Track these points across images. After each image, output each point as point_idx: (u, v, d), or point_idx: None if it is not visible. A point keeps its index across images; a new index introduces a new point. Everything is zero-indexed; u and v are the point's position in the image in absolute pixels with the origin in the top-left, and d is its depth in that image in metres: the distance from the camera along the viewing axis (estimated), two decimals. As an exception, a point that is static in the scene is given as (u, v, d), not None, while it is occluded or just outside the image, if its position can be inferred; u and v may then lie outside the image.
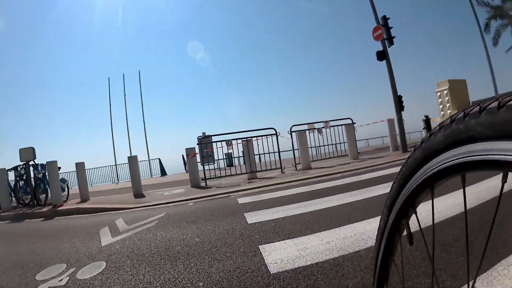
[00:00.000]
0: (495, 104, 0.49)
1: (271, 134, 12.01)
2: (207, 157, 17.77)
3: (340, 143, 13.48)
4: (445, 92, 17.86)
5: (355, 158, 12.75)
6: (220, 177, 11.83)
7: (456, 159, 0.56)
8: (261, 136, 12.01)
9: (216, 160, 13.71)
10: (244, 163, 11.55)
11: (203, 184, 11.06)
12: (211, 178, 11.52)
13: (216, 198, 7.92)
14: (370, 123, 14.09)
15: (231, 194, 8.24)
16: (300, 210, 5.16)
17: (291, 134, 12.41)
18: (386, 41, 13.64)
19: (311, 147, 12.84)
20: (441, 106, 18.22)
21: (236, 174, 11.89)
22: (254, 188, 8.65)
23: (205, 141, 12.69)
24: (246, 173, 11.31)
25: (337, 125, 13.27)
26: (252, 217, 5.11)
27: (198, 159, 11.43)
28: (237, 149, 11.72)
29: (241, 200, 6.95)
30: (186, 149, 11.18)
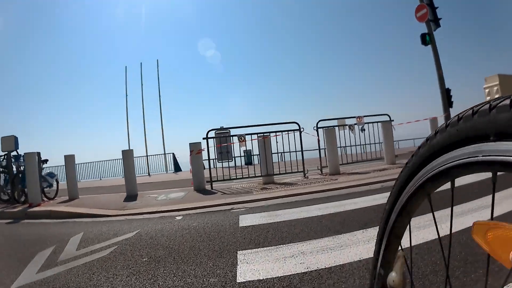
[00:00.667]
0: (486, 107, 0.51)
1: (293, 130, 9.85)
2: (225, 153, 16.02)
3: (373, 143, 11.27)
4: (495, 88, 15.53)
5: (393, 163, 10.53)
6: (230, 179, 9.74)
7: (448, 163, 0.59)
8: (281, 131, 9.86)
9: (236, 157, 11.88)
10: (260, 163, 9.47)
11: (208, 186, 9.10)
12: (218, 181, 9.47)
13: (215, 211, 6.00)
14: (412, 121, 11.80)
15: (235, 206, 6.26)
16: (331, 258, 3.01)
17: (317, 130, 10.23)
18: (431, 23, 11.59)
19: (340, 147, 10.72)
20: (489, 105, 15.82)
21: (249, 177, 9.76)
22: (266, 199, 6.64)
23: (217, 136, 10.75)
24: (261, 175, 9.29)
25: (372, 122, 11.01)
26: (248, 266, 3.03)
27: (205, 157, 9.55)
28: (251, 146, 9.70)
29: (243, 220, 4.94)
30: (190, 144, 9.25)
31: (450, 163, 0.58)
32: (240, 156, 11.33)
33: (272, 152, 9.58)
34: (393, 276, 0.80)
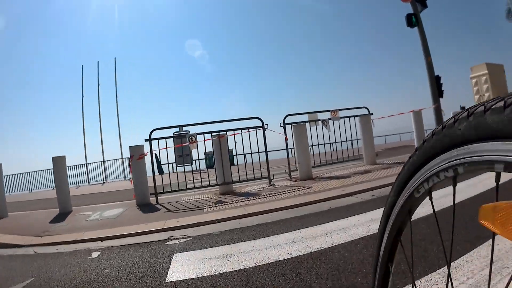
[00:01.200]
0: (481, 108, 0.52)
1: (255, 127, 8.16)
2: (185, 156, 14.32)
3: (349, 140, 9.81)
4: (483, 78, 14.42)
5: (373, 163, 9.08)
6: (179, 190, 7.92)
7: (453, 161, 0.59)
8: (241, 129, 8.11)
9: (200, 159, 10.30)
10: (215, 169, 7.77)
11: (153, 199, 7.41)
12: (165, 193, 7.74)
13: (145, 243, 4.34)
14: (395, 114, 10.37)
15: (175, 232, 4.62)
16: None
17: (284, 127, 8.58)
18: (417, 3, 10.28)
19: (312, 146, 9.18)
20: (477, 96, 14.79)
21: (202, 186, 8.02)
22: (218, 221, 4.96)
23: (165, 137, 9.02)
24: (217, 184, 7.64)
25: (348, 116, 9.49)
26: None
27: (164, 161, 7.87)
28: (204, 147, 7.98)
29: (176, 266, 3.25)
30: (130, 147, 7.54)
31: (454, 161, 0.58)
32: (199, 159, 9.81)
33: (234, 154, 8.04)
34: None
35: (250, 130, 8.07)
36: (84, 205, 8.38)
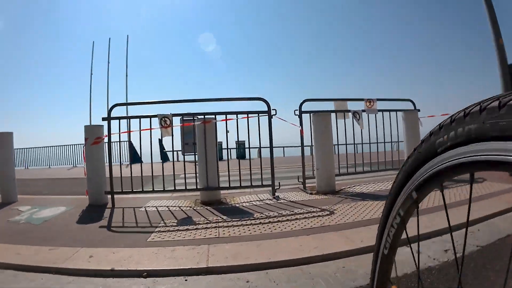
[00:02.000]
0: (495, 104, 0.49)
1: (258, 112, 5.63)
2: (191, 144, 12.27)
3: (387, 142, 7.32)
4: None
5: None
6: (142, 191, 5.61)
7: (462, 158, 0.56)
8: (237, 113, 5.59)
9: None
10: (197, 167, 5.56)
11: (109, 197, 5.35)
12: (127, 192, 5.46)
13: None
14: (451, 113, 7.98)
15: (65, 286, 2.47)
16: None
17: (300, 116, 6.05)
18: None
19: (337, 145, 6.69)
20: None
21: (176, 190, 5.63)
22: (149, 273, 2.64)
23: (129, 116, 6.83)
24: (198, 189, 5.40)
25: (388, 110, 6.96)
26: None
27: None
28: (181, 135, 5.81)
29: None
30: (85, 127, 5.49)
31: (473, 156, 0.54)
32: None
33: (224, 147, 5.85)
34: None
35: (250, 115, 5.63)
36: (36, 195, 6.75)
